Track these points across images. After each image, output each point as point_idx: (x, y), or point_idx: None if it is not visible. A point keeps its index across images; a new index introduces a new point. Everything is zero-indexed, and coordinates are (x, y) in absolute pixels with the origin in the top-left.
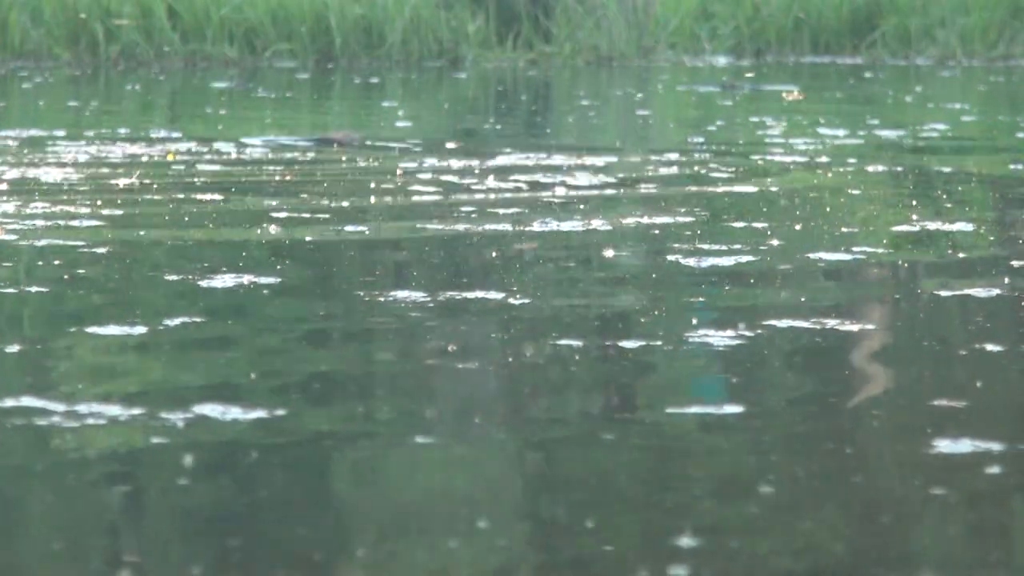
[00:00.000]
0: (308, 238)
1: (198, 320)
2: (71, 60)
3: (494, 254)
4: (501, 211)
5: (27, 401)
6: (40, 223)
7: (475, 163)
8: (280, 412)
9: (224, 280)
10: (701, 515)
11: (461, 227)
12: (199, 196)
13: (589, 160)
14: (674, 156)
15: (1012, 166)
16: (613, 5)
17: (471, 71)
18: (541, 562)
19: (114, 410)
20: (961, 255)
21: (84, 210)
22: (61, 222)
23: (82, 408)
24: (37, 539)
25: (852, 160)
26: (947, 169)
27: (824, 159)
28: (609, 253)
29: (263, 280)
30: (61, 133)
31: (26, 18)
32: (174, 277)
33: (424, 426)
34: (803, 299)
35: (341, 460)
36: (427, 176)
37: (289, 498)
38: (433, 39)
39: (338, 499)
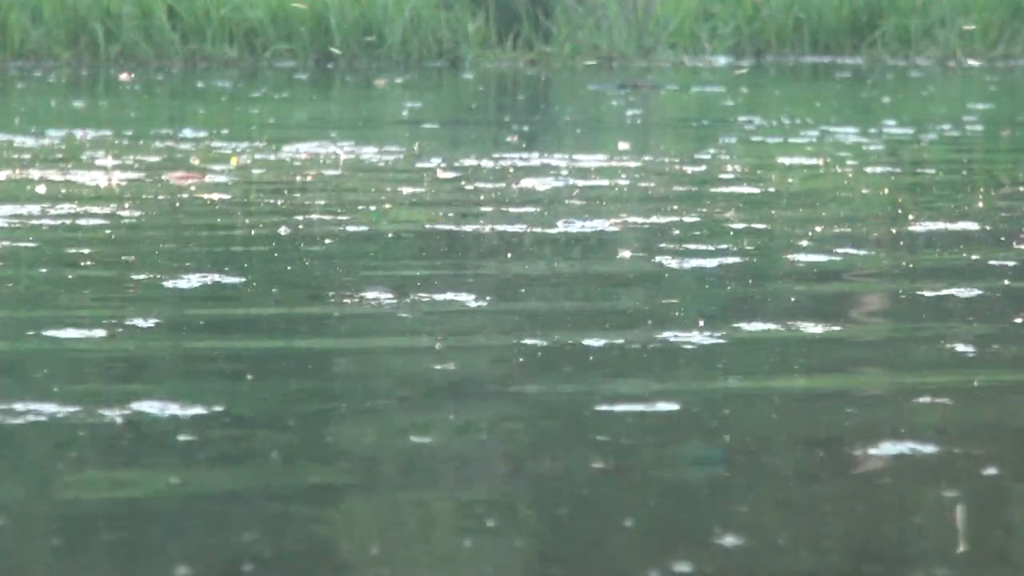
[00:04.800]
0: (308, 237)
1: (160, 321)
2: (71, 60)
3: (493, 252)
4: (503, 211)
5: None
6: (47, 222)
7: (474, 164)
8: (217, 408)
9: (193, 280)
10: (698, 516)
11: (458, 228)
12: (205, 196)
13: (585, 161)
14: (672, 156)
15: (1015, 165)
16: (613, 5)
17: (474, 71)
18: (540, 566)
19: (51, 408)
20: (959, 255)
21: (104, 211)
22: (67, 221)
23: (18, 406)
24: None
25: (851, 160)
26: (948, 169)
27: (823, 159)
28: (621, 254)
29: (234, 280)
30: (98, 134)
31: (26, 18)
32: (143, 276)
33: (370, 421)
34: (793, 300)
35: (290, 459)
36: (432, 177)
37: (233, 495)
38: (433, 39)
39: (295, 499)
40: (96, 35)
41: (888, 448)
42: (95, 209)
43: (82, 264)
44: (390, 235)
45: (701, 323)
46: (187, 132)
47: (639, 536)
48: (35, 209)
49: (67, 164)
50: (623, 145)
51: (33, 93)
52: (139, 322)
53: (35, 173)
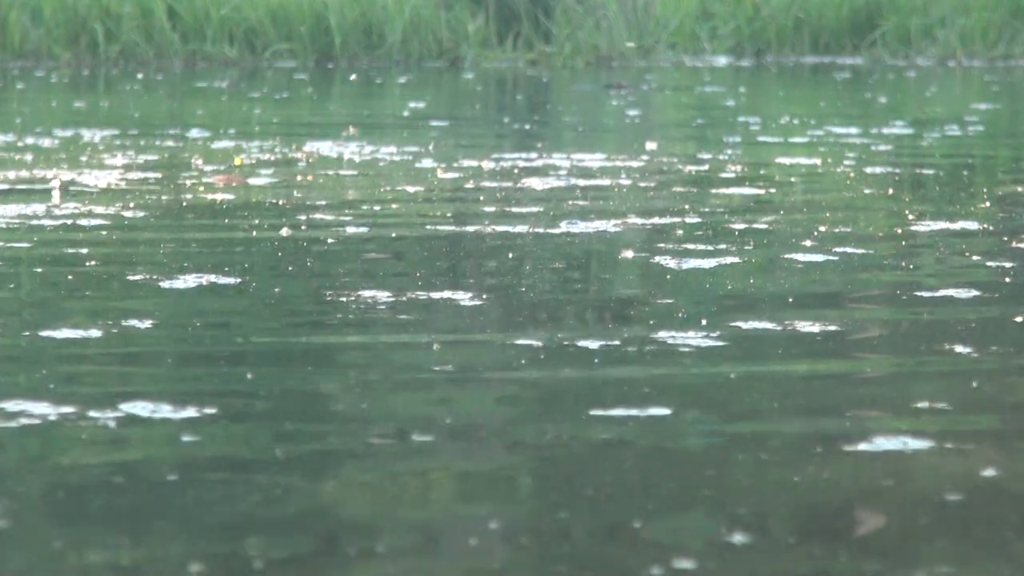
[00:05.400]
0: (311, 237)
1: (157, 321)
2: (71, 60)
3: (486, 252)
4: (506, 210)
5: None
6: (48, 222)
7: (476, 164)
8: (210, 411)
9: (193, 280)
10: (699, 516)
11: (460, 228)
12: (209, 197)
13: (586, 161)
14: (673, 157)
15: (1016, 165)
16: (613, 5)
17: (474, 71)
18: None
19: (42, 408)
20: (960, 255)
21: (109, 211)
22: (70, 221)
23: (10, 406)
24: None
25: (852, 160)
26: (950, 169)
27: (824, 159)
28: (623, 254)
29: (230, 280)
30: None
31: (26, 18)
32: (139, 277)
33: (365, 414)
34: (791, 300)
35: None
36: (433, 177)
37: (231, 493)
38: (433, 39)
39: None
40: (96, 35)
41: (888, 448)
42: (99, 209)
43: (85, 264)
44: (393, 235)
45: (702, 323)
46: (194, 132)
47: (641, 537)
48: (40, 209)
49: (76, 164)
50: (651, 145)
51: (33, 92)
52: (135, 322)
53: (41, 173)
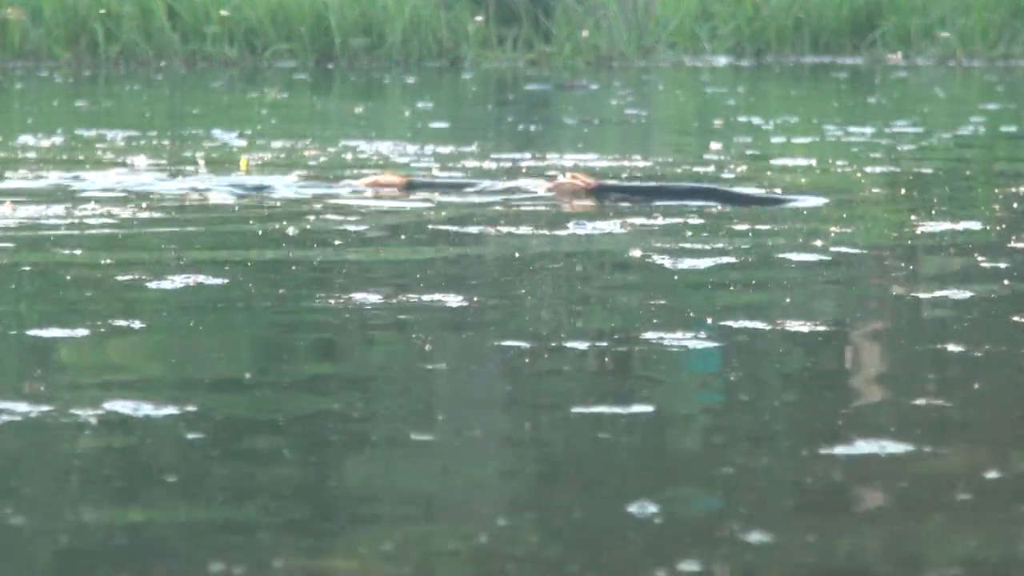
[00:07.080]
0: (315, 238)
1: (140, 323)
2: (71, 60)
3: (497, 252)
4: (511, 210)
5: None
6: (55, 221)
7: (476, 164)
8: (191, 408)
9: (194, 280)
10: (700, 515)
11: (463, 229)
12: (211, 201)
13: (592, 161)
14: (674, 157)
15: (1016, 164)
16: (613, 5)
17: (475, 71)
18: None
19: (23, 407)
20: (960, 256)
21: (111, 211)
22: (73, 219)
23: (4, 405)
24: None
25: (853, 160)
26: (951, 169)
27: (825, 159)
28: (627, 254)
29: (220, 282)
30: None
31: (26, 18)
32: (128, 277)
33: (337, 411)
34: (789, 300)
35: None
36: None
37: (204, 496)
38: (433, 39)
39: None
40: (96, 35)
41: (887, 446)
42: (114, 210)
43: (86, 264)
44: (403, 236)
45: (705, 323)
46: (217, 132)
47: (643, 537)
48: (60, 210)
49: (109, 165)
50: (715, 145)
51: (34, 92)
52: (122, 321)
53: (58, 174)
